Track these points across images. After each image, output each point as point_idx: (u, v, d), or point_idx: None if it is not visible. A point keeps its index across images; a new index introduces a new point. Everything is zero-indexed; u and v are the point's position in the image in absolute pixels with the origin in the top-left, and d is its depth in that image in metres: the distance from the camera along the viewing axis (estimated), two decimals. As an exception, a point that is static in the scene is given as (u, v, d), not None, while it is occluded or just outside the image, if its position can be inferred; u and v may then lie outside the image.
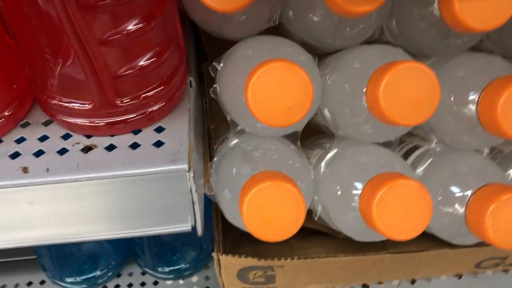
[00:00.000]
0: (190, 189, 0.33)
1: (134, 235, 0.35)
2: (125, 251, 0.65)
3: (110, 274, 0.65)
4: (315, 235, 0.55)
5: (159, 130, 0.36)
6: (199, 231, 0.34)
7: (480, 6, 0.33)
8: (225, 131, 0.45)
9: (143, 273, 0.65)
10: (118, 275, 0.65)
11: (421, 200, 0.34)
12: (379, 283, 0.51)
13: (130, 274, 0.66)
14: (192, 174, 0.33)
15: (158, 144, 0.35)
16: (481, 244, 0.46)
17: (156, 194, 0.33)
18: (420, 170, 0.43)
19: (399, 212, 0.34)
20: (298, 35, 0.44)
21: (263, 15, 0.39)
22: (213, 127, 0.46)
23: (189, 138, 0.35)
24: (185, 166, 0.32)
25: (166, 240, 0.62)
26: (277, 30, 0.43)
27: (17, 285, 0.64)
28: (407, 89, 0.33)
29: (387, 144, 0.42)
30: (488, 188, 0.37)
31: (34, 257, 0.64)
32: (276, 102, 0.32)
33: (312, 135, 0.50)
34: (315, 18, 0.40)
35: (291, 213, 0.33)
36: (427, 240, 0.45)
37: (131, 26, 0.31)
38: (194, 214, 0.34)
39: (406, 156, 0.45)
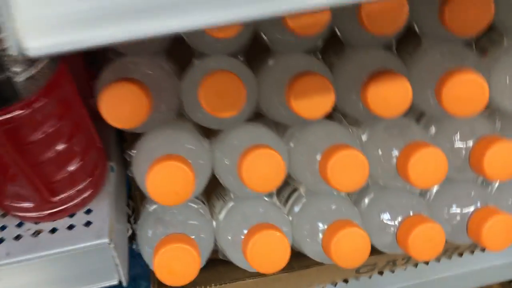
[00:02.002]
0: (112, 256, 0.46)
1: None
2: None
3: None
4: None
5: (88, 212, 0.49)
6: (124, 283, 0.47)
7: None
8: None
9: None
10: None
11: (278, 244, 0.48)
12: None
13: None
14: (113, 245, 0.46)
15: (88, 224, 0.47)
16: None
17: (90, 261, 0.46)
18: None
19: (269, 252, 0.48)
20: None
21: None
22: (138, 193, 0.59)
23: (110, 217, 0.48)
24: (107, 240, 0.46)
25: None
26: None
27: None
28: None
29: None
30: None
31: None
32: (167, 188, 0.45)
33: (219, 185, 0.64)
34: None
35: (188, 266, 0.47)
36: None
37: (58, 146, 0.44)
38: (118, 272, 0.47)
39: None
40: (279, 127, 0.58)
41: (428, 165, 0.49)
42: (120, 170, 0.56)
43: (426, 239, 0.51)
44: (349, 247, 0.50)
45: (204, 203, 0.58)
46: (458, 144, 0.55)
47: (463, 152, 0.55)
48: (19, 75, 0.37)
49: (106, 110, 0.43)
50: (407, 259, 0.65)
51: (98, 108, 0.44)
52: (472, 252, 0.68)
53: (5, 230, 0.48)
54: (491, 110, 0.57)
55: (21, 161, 0.42)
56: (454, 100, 0.47)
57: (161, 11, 0.29)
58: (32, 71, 0.37)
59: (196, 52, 0.53)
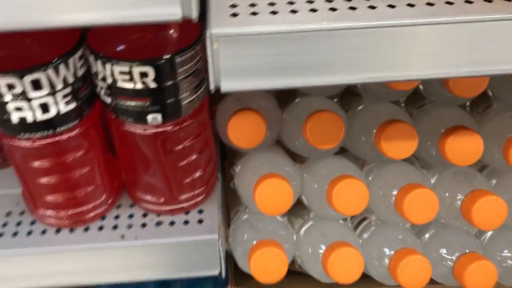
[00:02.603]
0: (219, 250, 0.56)
1: (188, 276, 0.58)
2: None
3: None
4: (300, 274, 0.78)
5: (200, 211, 0.59)
6: (223, 274, 0.57)
7: None
8: (237, 203, 0.68)
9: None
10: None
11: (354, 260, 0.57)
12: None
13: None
14: (220, 241, 0.56)
15: (200, 221, 0.58)
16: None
17: (200, 252, 0.56)
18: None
19: (347, 266, 0.57)
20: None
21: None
22: (231, 201, 0.69)
23: (218, 218, 0.58)
24: (217, 236, 0.56)
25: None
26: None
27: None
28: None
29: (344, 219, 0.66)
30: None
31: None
32: (272, 200, 0.55)
33: (297, 204, 0.73)
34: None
35: (278, 266, 0.56)
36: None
37: (191, 157, 0.55)
38: (221, 265, 0.57)
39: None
40: (358, 161, 0.68)
41: (490, 210, 0.57)
42: (222, 178, 0.66)
43: (481, 274, 0.59)
44: (414, 271, 0.58)
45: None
46: (516, 195, 0.63)
47: (520, 203, 0.62)
48: (185, 99, 0.48)
49: (233, 132, 0.54)
50: (456, 292, 0.72)
51: (224, 130, 0.55)
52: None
53: (133, 218, 0.59)
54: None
55: (165, 164, 0.53)
56: (520, 158, 0.56)
57: (311, 72, 0.39)
58: (193, 96, 0.49)
59: (299, 92, 0.64)
